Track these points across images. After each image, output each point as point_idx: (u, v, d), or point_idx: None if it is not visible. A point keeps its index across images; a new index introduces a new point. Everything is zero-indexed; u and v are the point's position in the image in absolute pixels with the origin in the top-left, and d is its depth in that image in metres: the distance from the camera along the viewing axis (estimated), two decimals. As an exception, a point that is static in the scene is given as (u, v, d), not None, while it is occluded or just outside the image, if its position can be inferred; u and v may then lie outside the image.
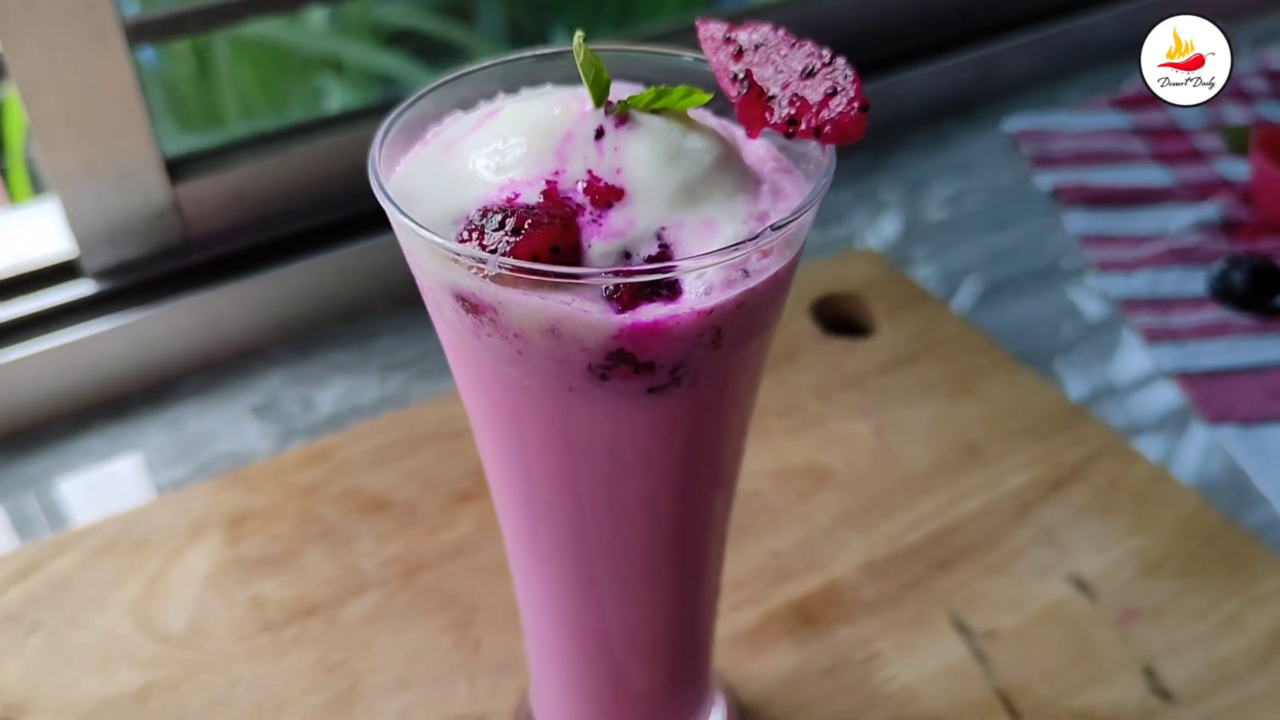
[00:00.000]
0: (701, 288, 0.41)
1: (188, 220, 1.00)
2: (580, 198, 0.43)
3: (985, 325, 1.00)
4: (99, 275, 0.98)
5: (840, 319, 1.00)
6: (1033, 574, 0.78)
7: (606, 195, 0.43)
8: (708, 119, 0.50)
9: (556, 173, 0.43)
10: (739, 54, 0.47)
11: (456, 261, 0.40)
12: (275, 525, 0.82)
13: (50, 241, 0.99)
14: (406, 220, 0.41)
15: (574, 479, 0.48)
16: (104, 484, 0.89)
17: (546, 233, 0.41)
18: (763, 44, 0.46)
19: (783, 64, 0.45)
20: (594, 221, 0.42)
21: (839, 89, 0.43)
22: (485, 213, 0.42)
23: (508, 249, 0.40)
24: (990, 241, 1.13)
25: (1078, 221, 1.16)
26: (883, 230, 1.14)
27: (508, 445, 0.49)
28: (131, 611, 0.76)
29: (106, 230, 0.97)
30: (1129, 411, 0.92)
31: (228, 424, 0.94)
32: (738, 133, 0.48)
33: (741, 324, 0.43)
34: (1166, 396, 0.94)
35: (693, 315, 0.41)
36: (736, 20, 0.49)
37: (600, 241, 0.42)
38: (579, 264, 0.42)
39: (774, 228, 0.41)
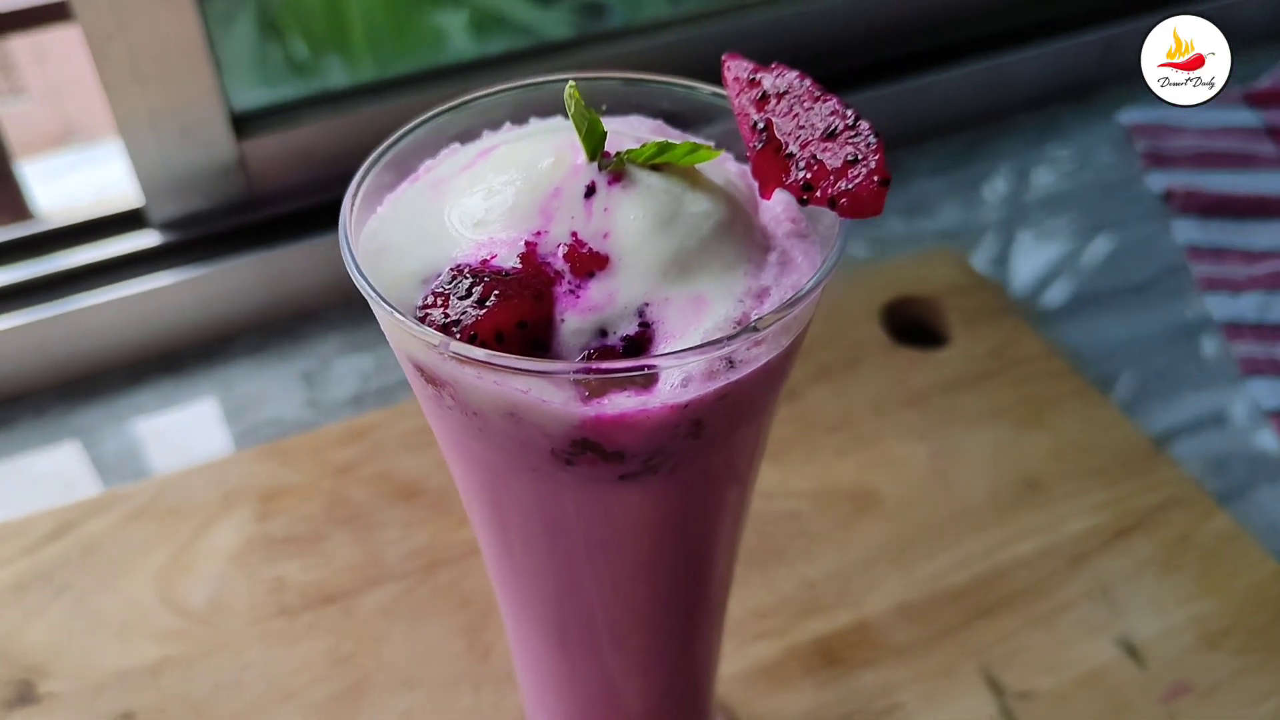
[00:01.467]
0: (678, 379, 0.37)
1: (253, 176, 0.99)
2: (560, 264, 0.39)
3: (1071, 341, 0.94)
4: (163, 226, 0.98)
5: (912, 325, 0.95)
6: (1080, 632, 0.73)
7: (589, 263, 0.39)
8: (728, 164, 0.46)
9: (538, 233, 0.40)
10: (762, 100, 0.43)
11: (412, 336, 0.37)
12: (306, 504, 0.81)
13: (120, 187, 0.99)
14: (364, 285, 0.38)
15: (550, 553, 0.45)
16: (149, 441, 0.89)
17: (514, 306, 0.38)
18: (787, 92, 0.42)
19: (805, 119, 0.41)
20: (571, 292, 0.39)
21: (860, 157, 0.39)
22: (456, 275, 0.39)
23: (472, 322, 0.37)
24: (1090, 247, 1.06)
25: (1187, 230, 1.07)
26: (973, 225, 1.07)
27: (484, 509, 0.46)
28: (156, 581, 0.77)
29: (171, 181, 0.97)
30: (1213, 453, 0.85)
31: (278, 388, 0.93)
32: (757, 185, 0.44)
33: (726, 416, 0.39)
34: (1260, 439, 0.87)
35: (665, 409, 0.37)
36: (765, 61, 0.44)
37: (574, 316, 0.38)
38: (549, 340, 0.38)
39: (755, 327, 0.37)
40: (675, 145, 0.41)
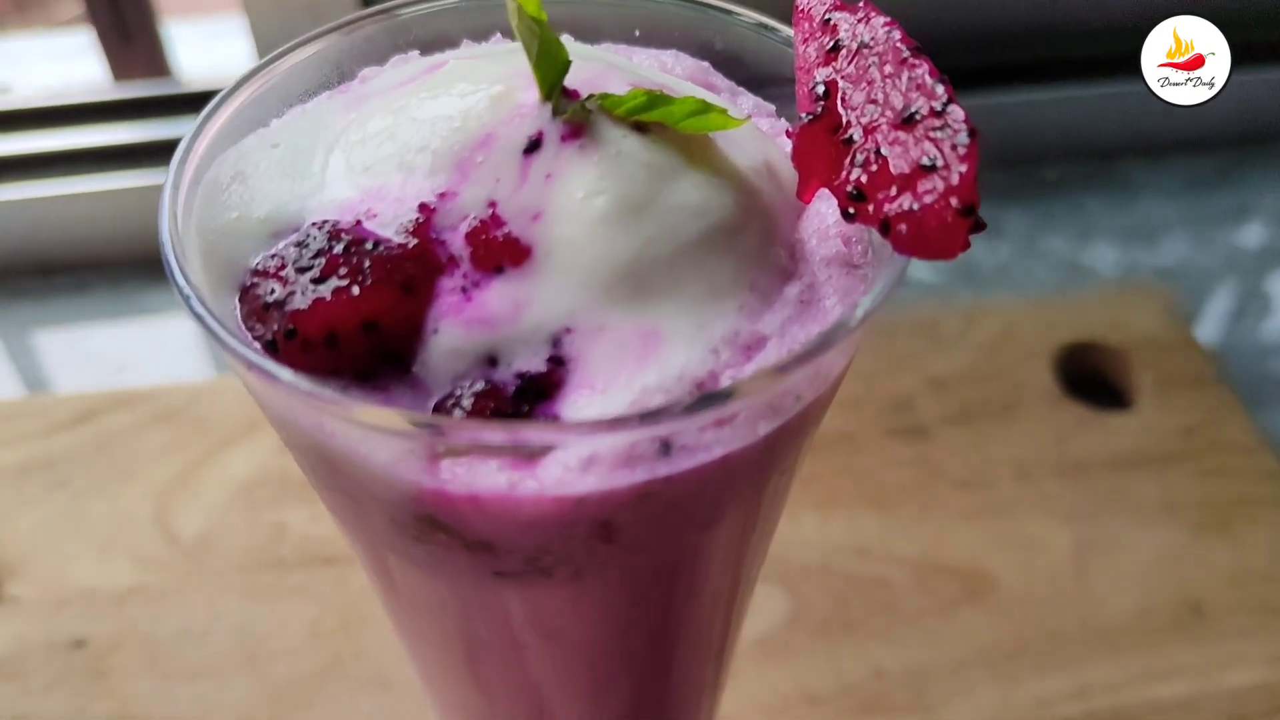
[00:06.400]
0: (575, 459, 0.24)
1: (380, 68, 0.90)
2: (459, 246, 0.26)
3: (1293, 437, 0.75)
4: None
5: (1091, 377, 0.77)
6: (1213, 822, 0.56)
7: (500, 253, 0.26)
8: (782, 140, 0.32)
9: (445, 194, 0.27)
10: (833, 52, 0.28)
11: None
12: (335, 444, 0.72)
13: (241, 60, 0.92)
14: (166, 230, 0.26)
15: (442, 639, 0.33)
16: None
17: (365, 298, 0.25)
18: (869, 47, 0.27)
19: (881, 89, 0.27)
20: (462, 290, 0.26)
21: (939, 164, 0.24)
22: (309, 236, 0.27)
23: (296, 310, 0.25)
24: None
25: None
26: (1200, 267, 0.88)
27: (364, 563, 0.34)
28: (157, 496, 0.69)
29: (292, 62, 0.88)
30: None
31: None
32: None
33: (655, 521, 0.26)
34: None
35: (545, 502, 0.24)
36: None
37: (454, 328, 0.26)
38: (410, 355, 0.26)
39: (717, 397, 0.23)
40: (672, 100, 0.27)
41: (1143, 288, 0.84)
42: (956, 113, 0.24)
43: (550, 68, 0.27)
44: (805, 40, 0.30)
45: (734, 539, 0.31)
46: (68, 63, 1.03)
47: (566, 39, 0.34)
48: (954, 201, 0.24)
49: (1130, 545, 0.67)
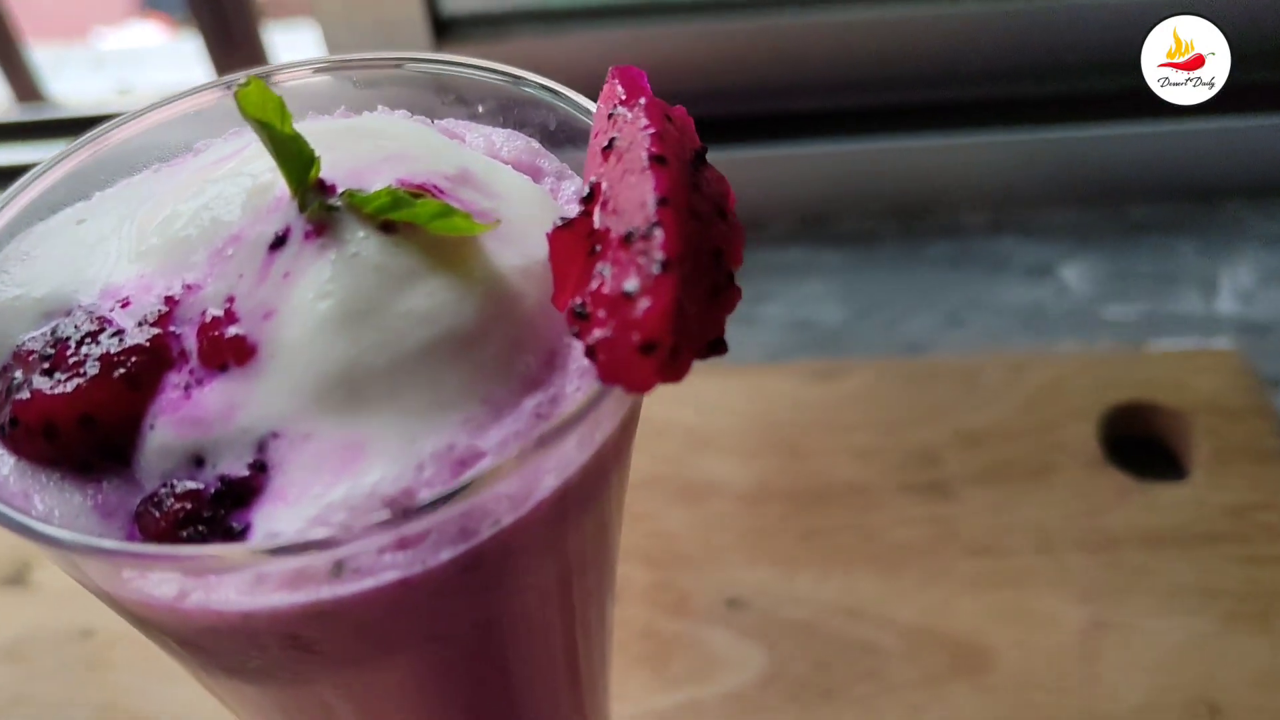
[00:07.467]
0: (246, 574, 0.24)
1: (447, 85, 0.91)
2: (191, 341, 0.26)
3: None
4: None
5: (1140, 442, 0.72)
6: None
7: (226, 351, 0.26)
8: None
9: (190, 286, 0.27)
10: (608, 150, 0.27)
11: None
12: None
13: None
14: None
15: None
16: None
17: (82, 392, 0.25)
18: (628, 150, 0.26)
19: (629, 197, 0.25)
20: (184, 388, 0.26)
21: (635, 293, 0.23)
22: (61, 321, 0.27)
23: (23, 399, 0.26)
24: None
25: None
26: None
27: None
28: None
29: (365, 76, 0.91)
30: None
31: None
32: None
33: (350, 634, 0.25)
34: None
35: (212, 615, 0.24)
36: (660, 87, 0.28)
37: (168, 426, 0.26)
38: (130, 450, 0.26)
39: (391, 519, 0.23)
40: (416, 201, 0.26)
41: (1215, 345, 0.77)
42: (658, 237, 0.23)
43: (293, 163, 0.26)
44: (596, 134, 0.28)
45: (520, 627, 0.30)
46: (183, 65, 1.09)
47: (402, 114, 0.33)
48: (635, 336, 0.22)
49: (1150, 631, 0.62)
